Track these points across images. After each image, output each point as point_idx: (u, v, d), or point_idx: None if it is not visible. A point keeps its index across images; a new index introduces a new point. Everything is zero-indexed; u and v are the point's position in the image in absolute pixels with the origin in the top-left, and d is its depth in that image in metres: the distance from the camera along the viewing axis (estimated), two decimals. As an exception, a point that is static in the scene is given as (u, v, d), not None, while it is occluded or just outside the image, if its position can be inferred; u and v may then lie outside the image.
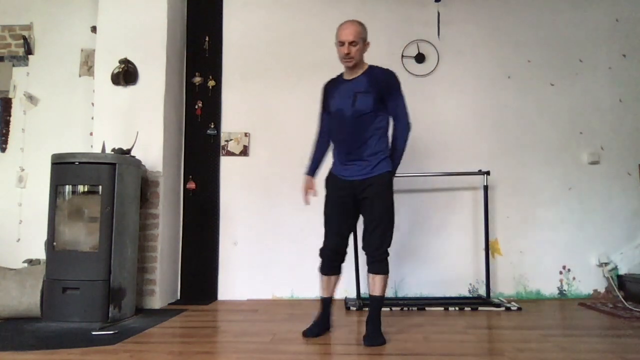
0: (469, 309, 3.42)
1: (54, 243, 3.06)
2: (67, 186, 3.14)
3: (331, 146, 2.83)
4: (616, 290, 3.74)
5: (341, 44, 2.61)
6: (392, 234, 2.66)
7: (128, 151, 3.42)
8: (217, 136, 4.02)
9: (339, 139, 2.72)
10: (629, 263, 3.81)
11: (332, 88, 2.79)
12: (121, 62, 3.63)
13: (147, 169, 3.57)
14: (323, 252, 2.74)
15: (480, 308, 3.43)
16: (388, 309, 3.42)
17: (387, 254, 2.63)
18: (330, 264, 2.74)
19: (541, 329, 2.81)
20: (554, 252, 3.86)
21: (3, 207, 4.06)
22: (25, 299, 3.07)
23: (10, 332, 2.76)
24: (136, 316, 3.20)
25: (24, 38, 4.14)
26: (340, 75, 2.78)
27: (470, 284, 3.84)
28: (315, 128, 3.97)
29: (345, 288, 3.80)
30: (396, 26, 4.06)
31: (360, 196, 2.64)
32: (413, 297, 3.79)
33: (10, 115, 4.14)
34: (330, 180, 2.76)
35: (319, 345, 2.48)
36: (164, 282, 3.62)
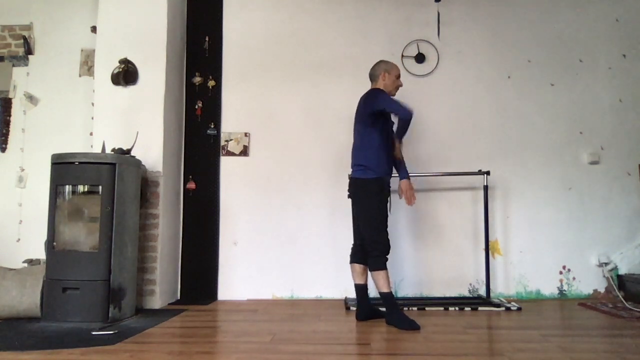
0: (469, 309, 3.42)
1: (54, 243, 3.06)
2: (67, 186, 3.13)
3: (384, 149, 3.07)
4: (616, 290, 3.75)
5: (398, 78, 3.16)
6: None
7: (128, 151, 3.42)
8: (217, 136, 4.02)
9: (389, 146, 3.09)
10: (629, 263, 3.81)
11: None
12: (121, 62, 3.63)
13: (147, 169, 3.57)
14: (389, 250, 3.00)
15: (480, 308, 3.43)
16: (388, 309, 3.43)
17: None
18: None
19: (541, 329, 2.81)
20: (554, 252, 3.87)
21: (3, 207, 4.06)
22: (25, 299, 3.07)
23: (10, 332, 2.76)
24: (136, 316, 3.21)
25: (24, 38, 4.14)
26: None
27: (470, 284, 3.84)
28: (314, 128, 4.00)
29: (345, 288, 3.81)
30: (396, 26, 4.06)
31: None
32: (413, 297, 3.79)
33: (10, 115, 4.14)
34: (384, 183, 3.04)
35: (319, 345, 2.48)
36: (164, 282, 3.63)
